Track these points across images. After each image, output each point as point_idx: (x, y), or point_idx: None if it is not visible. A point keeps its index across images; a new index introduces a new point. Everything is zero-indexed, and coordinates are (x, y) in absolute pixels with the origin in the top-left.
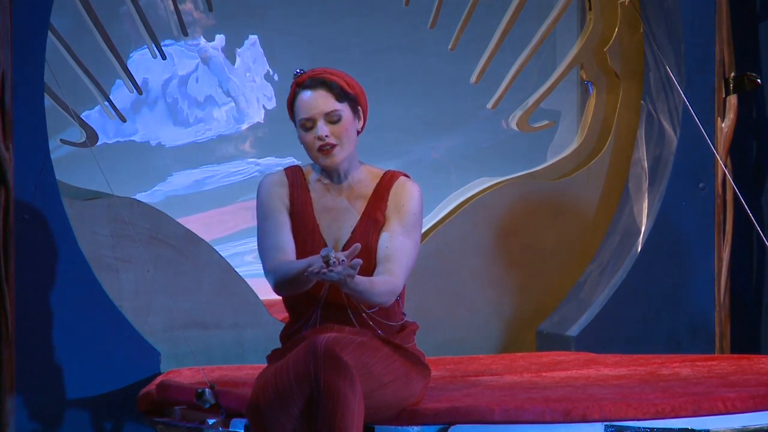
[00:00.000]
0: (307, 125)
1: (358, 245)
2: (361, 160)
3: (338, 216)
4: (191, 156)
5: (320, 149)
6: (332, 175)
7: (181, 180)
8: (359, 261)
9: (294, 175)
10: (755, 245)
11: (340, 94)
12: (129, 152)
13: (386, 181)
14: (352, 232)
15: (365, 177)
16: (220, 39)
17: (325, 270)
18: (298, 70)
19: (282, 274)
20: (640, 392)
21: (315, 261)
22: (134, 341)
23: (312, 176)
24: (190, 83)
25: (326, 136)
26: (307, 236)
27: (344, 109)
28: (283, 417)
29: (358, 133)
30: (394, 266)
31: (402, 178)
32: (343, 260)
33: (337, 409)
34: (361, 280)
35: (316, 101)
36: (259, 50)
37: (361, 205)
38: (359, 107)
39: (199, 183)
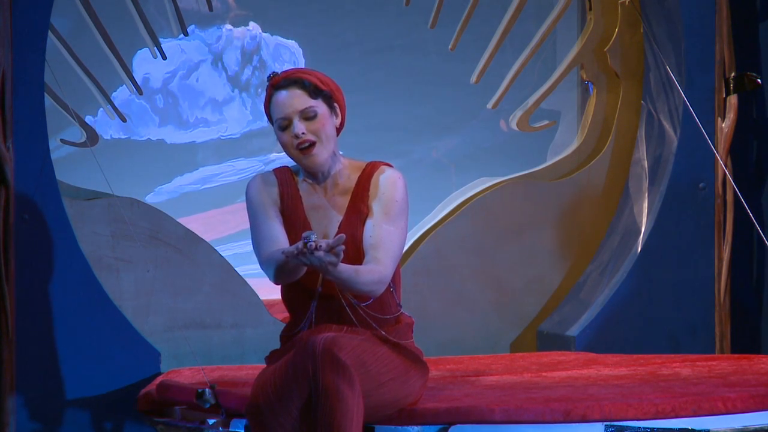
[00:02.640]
0: (283, 125)
1: (343, 236)
2: (344, 154)
3: (325, 213)
4: (192, 156)
5: (299, 147)
6: (316, 175)
7: (181, 180)
8: (342, 247)
9: (283, 174)
10: (755, 245)
11: (314, 91)
12: (129, 152)
13: (367, 172)
14: (339, 228)
15: (348, 171)
16: (220, 39)
17: (305, 251)
18: (271, 73)
19: (274, 262)
20: (640, 392)
21: (298, 243)
22: (134, 341)
23: (299, 176)
24: (191, 83)
25: (303, 133)
26: (299, 233)
27: (319, 105)
28: (282, 417)
29: (338, 130)
30: (381, 254)
31: (383, 167)
32: (321, 245)
33: (336, 409)
34: (344, 268)
35: (291, 100)
36: (260, 50)
37: (345, 200)
38: (335, 103)
39: (199, 183)
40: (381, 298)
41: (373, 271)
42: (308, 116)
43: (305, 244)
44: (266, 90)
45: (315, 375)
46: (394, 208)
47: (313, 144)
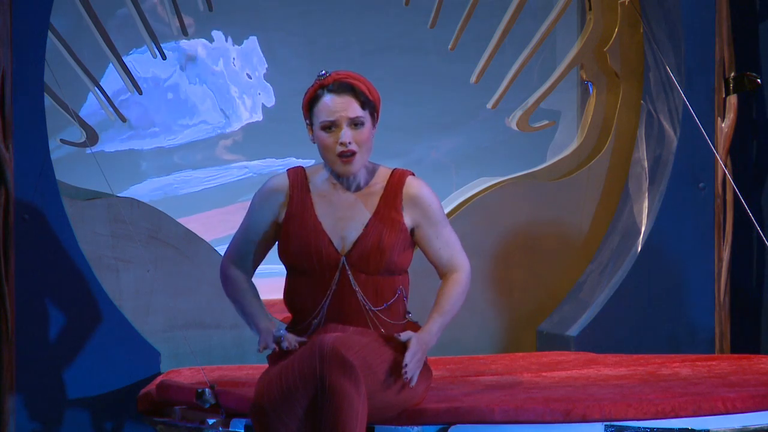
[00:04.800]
0: (328, 126)
1: (305, 339)
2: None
3: (345, 215)
4: (192, 155)
5: (341, 155)
6: (343, 178)
7: (181, 180)
8: (414, 376)
9: (296, 176)
10: (755, 245)
11: (365, 101)
12: (129, 152)
13: (396, 181)
14: (364, 229)
15: (374, 175)
16: (220, 39)
17: (276, 349)
18: (323, 72)
19: (231, 297)
20: (640, 392)
21: (268, 338)
22: (134, 341)
23: (318, 176)
24: (191, 83)
25: (349, 142)
26: (309, 236)
27: (366, 116)
28: (287, 417)
29: None
30: (455, 255)
31: (410, 177)
32: (295, 345)
33: (341, 409)
34: (439, 325)
35: (343, 106)
36: (260, 50)
37: (372, 204)
38: (376, 114)
39: (199, 183)
40: (393, 305)
41: (458, 282)
42: (356, 124)
43: (278, 343)
44: (313, 86)
45: (321, 375)
46: (438, 213)
47: (354, 154)
